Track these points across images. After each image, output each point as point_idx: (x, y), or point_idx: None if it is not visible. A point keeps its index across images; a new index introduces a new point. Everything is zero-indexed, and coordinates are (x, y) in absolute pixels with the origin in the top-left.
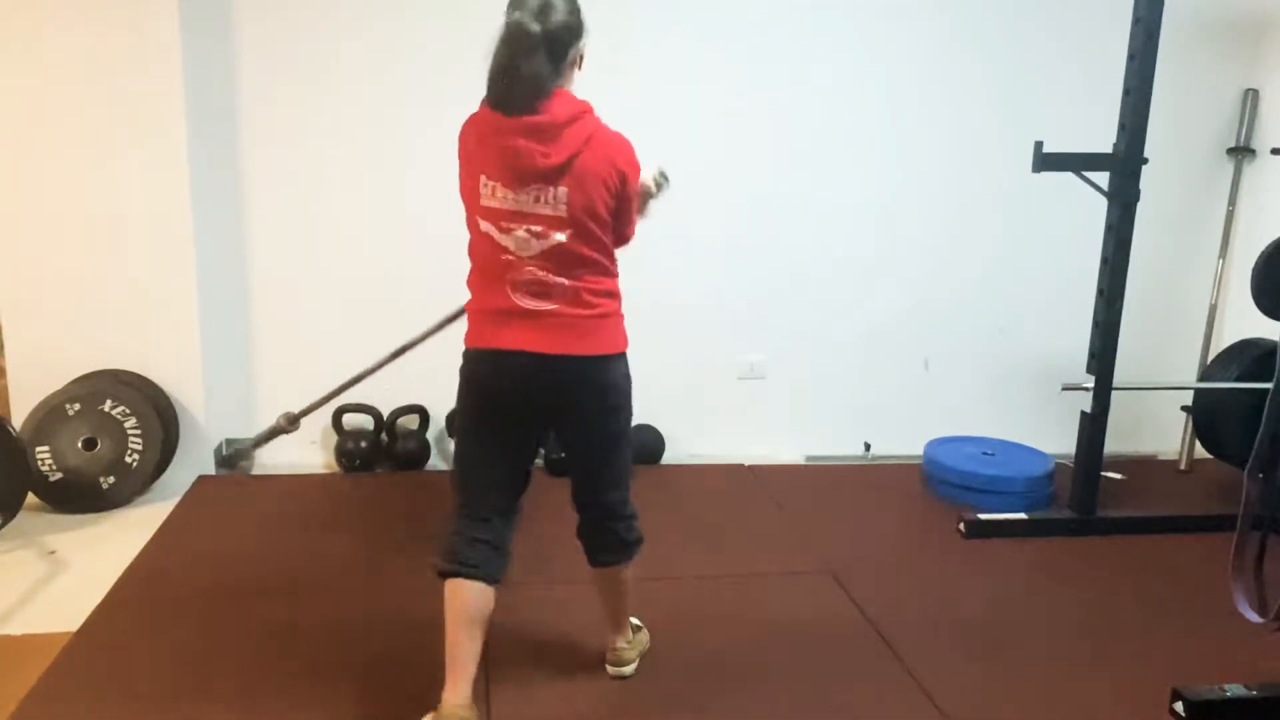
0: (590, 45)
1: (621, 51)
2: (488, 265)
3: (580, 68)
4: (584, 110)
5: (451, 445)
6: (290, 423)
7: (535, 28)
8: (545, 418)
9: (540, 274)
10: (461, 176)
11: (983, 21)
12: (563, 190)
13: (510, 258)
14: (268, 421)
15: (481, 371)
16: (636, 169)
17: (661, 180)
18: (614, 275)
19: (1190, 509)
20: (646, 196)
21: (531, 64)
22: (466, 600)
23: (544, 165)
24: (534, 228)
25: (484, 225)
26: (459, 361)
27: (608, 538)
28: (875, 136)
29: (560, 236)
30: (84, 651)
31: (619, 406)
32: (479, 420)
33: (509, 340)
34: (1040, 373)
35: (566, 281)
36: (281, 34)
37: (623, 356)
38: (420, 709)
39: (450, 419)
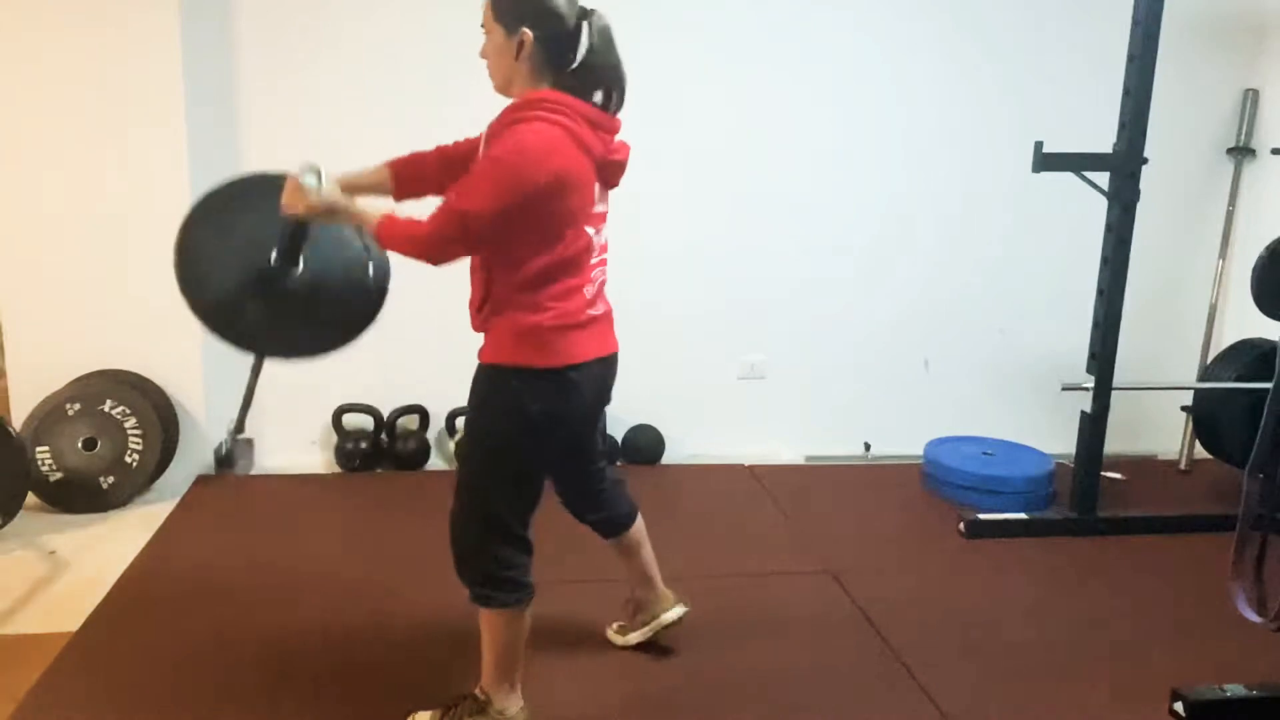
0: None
1: (623, 52)
2: (575, 273)
3: None
4: None
5: (451, 446)
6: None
7: (607, 25)
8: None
9: (599, 276)
10: (558, 193)
11: (983, 22)
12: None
13: (592, 259)
14: (268, 422)
15: (578, 387)
16: None
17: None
18: None
19: (1190, 509)
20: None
21: (619, 60)
22: (529, 621)
23: (619, 168)
24: (597, 226)
25: (588, 229)
26: (458, 361)
27: (615, 508)
28: (875, 137)
29: (606, 231)
30: (84, 651)
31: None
32: (555, 446)
33: (591, 349)
34: (1040, 373)
35: (601, 278)
36: (282, 34)
37: None
38: (421, 707)
39: (451, 420)
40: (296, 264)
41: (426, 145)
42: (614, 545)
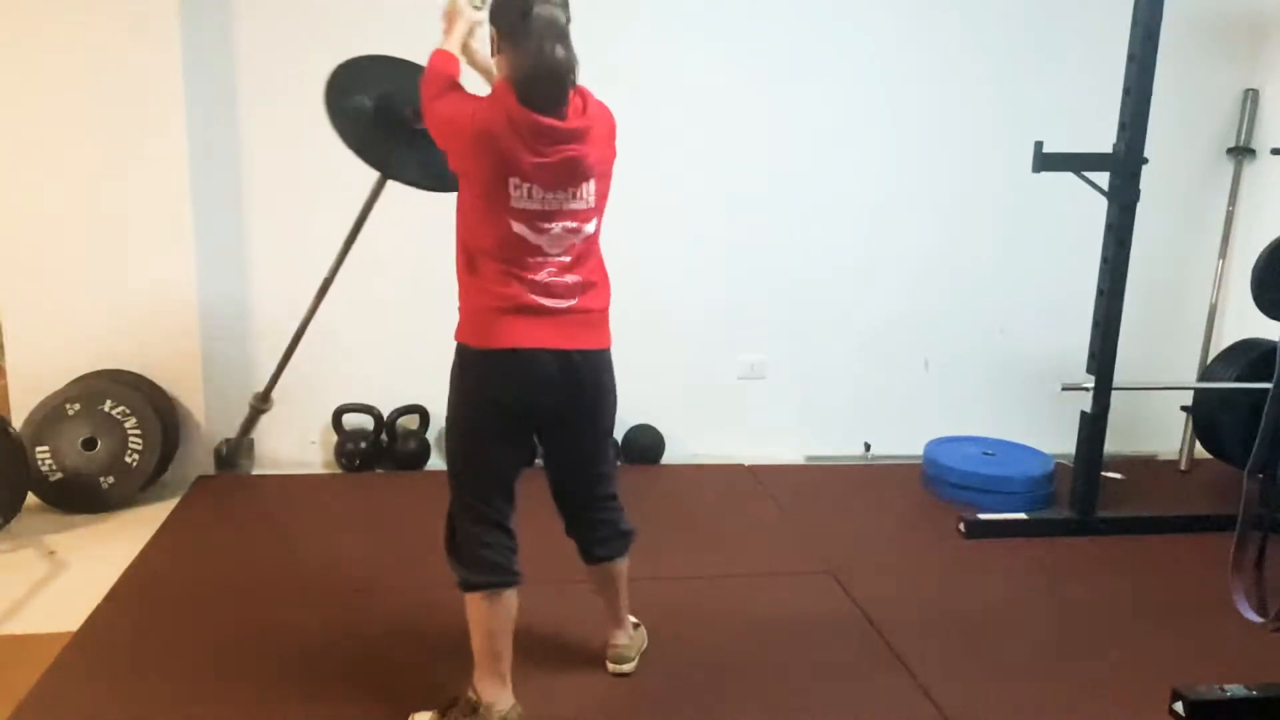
0: (581, 47)
1: (619, 52)
2: (511, 263)
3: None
4: (585, 94)
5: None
6: (261, 401)
7: (563, 18)
8: (560, 416)
9: (562, 273)
10: (473, 167)
11: (983, 22)
12: (592, 184)
13: (539, 258)
14: (269, 421)
15: (505, 372)
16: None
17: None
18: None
19: (1190, 509)
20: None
21: (568, 50)
22: (511, 608)
23: (585, 166)
24: (569, 224)
25: (516, 227)
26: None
27: (604, 531)
28: (875, 136)
29: (590, 227)
30: (84, 651)
31: (612, 401)
32: (506, 428)
33: (535, 338)
34: (1040, 373)
35: (583, 275)
36: (282, 35)
37: (609, 350)
38: (421, 708)
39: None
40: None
41: None
42: (590, 572)
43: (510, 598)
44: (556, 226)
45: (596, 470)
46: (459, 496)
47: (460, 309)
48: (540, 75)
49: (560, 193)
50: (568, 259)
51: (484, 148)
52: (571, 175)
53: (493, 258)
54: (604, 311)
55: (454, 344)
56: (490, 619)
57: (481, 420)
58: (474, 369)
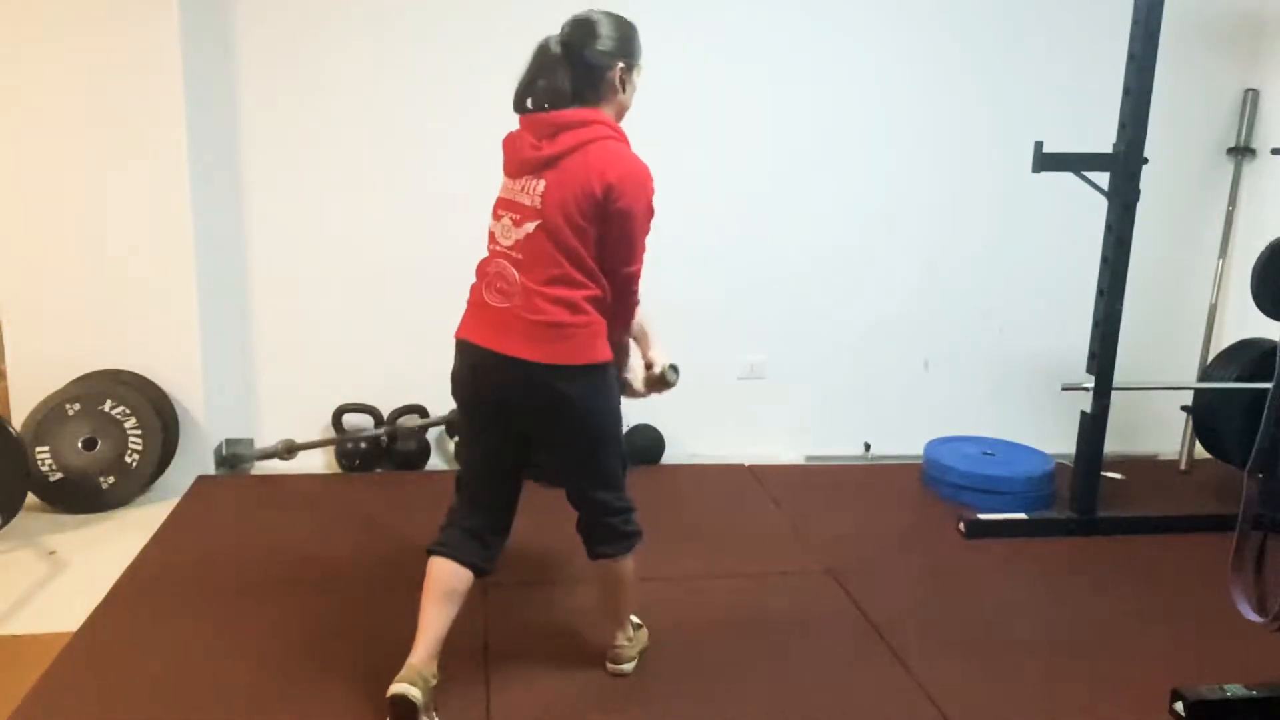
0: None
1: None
2: (484, 258)
3: (624, 91)
4: (594, 120)
5: (451, 446)
6: (288, 451)
7: (557, 49)
8: (518, 419)
9: (509, 269)
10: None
11: (984, 21)
12: (542, 183)
13: (494, 246)
14: (267, 422)
15: (456, 363)
16: (637, 195)
17: (670, 374)
18: (588, 289)
19: (1190, 509)
20: (653, 383)
21: (552, 80)
22: (437, 575)
23: (533, 156)
24: (514, 215)
25: (491, 217)
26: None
27: (603, 531)
28: (875, 136)
29: (529, 227)
30: (84, 651)
31: (584, 418)
32: (465, 410)
33: (476, 335)
34: (1040, 373)
35: (529, 283)
36: (282, 37)
37: (587, 369)
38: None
39: (452, 420)
40: None
41: (422, 152)
42: (593, 570)
43: (440, 565)
44: (506, 216)
45: (586, 480)
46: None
47: None
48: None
49: (516, 181)
50: (519, 257)
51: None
52: (530, 166)
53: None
54: (547, 326)
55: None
56: (425, 582)
57: (458, 405)
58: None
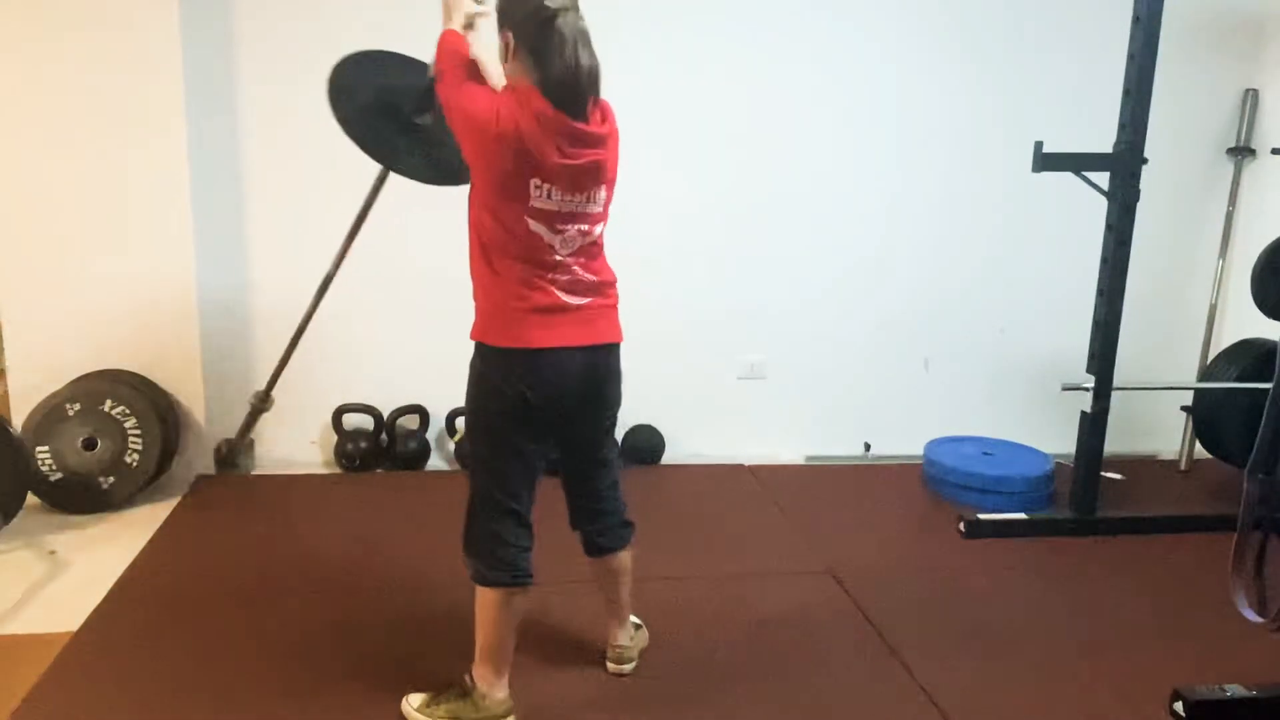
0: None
1: (623, 51)
2: (532, 263)
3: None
4: (602, 102)
5: (451, 446)
6: (262, 399)
7: (584, 22)
8: (573, 409)
9: (579, 272)
10: (494, 163)
11: (984, 22)
12: (603, 190)
13: (558, 257)
14: (267, 422)
15: (534, 370)
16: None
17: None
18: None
19: (1190, 509)
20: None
21: (593, 61)
22: (520, 608)
23: (604, 170)
24: (582, 226)
25: (533, 225)
26: (458, 361)
27: (607, 520)
28: (875, 137)
29: (599, 230)
30: (84, 651)
31: (620, 388)
32: (533, 424)
33: (573, 337)
34: (1040, 373)
35: (599, 277)
36: (282, 35)
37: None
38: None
39: (451, 420)
40: (427, 112)
41: None
42: (594, 566)
43: (522, 598)
44: (571, 229)
45: (603, 455)
46: (485, 493)
47: (479, 307)
48: (575, 81)
49: (578, 195)
50: (583, 259)
51: (507, 147)
52: (593, 179)
53: (512, 257)
54: (616, 306)
55: (470, 343)
56: (501, 616)
57: (510, 418)
58: (500, 368)
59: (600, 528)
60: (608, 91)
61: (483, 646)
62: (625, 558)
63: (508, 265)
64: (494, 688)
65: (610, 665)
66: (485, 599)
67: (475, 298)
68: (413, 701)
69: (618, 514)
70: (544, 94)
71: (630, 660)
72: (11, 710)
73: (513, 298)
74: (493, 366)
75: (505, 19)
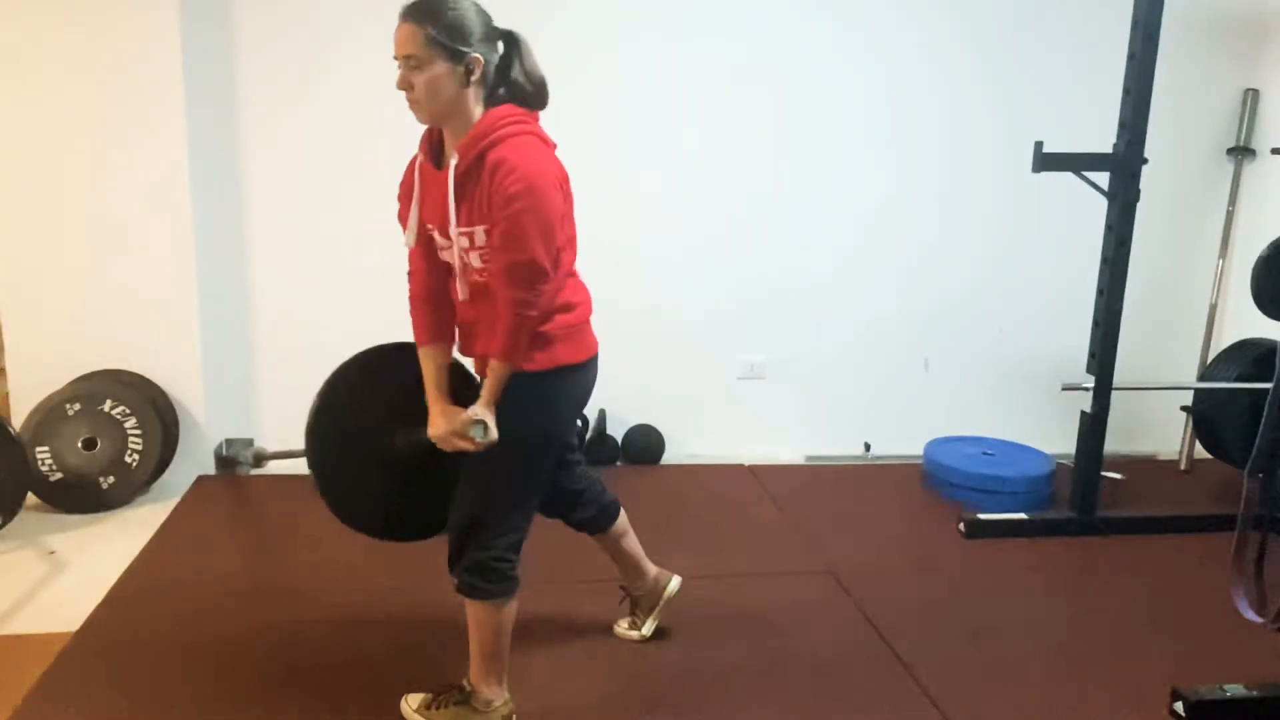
0: (584, 48)
1: (618, 53)
2: (576, 273)
3: None
4: None
5: None
6: (257, 461)
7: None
8: None
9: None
10: (559, 200)
11: (983, 22)
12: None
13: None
14: (268, 422)
15: (585, 383)
16: None
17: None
18: None
19: (1190, 509)
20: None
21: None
22: (514, 610)
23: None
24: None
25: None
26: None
27: (587, 495)
28: (875, 136)
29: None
30: (84, 651)
31: None
32: (565, 438)
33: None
34: (1040, 373)
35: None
36: (282, 35)
37: None
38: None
39: None
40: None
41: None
42: (602, 540)
43: (515, 602)
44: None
45: (573, 442)
46: (499, 516)
47: (543, 339)
48: (544, 79)
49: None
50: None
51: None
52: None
53: (572, 270)
54: None
55: (529, 375)
56: (496, 625)
57: (557, 440)
58: (566, 386)
59: (586, 511)
60: (608, 91)
61: (481, 655)
62: (624, 518)
63: (573, 281)
64: (495, 692)
65: (668, 589)
66: (483, 610)
67: (523, 335)
68: (411, 702)
69: (592, 487)
70: (530, 103)
71: (673, 577)
72: (12, 710)
73: (582, 305)
74: (555, 390)
75: (459, 42)
